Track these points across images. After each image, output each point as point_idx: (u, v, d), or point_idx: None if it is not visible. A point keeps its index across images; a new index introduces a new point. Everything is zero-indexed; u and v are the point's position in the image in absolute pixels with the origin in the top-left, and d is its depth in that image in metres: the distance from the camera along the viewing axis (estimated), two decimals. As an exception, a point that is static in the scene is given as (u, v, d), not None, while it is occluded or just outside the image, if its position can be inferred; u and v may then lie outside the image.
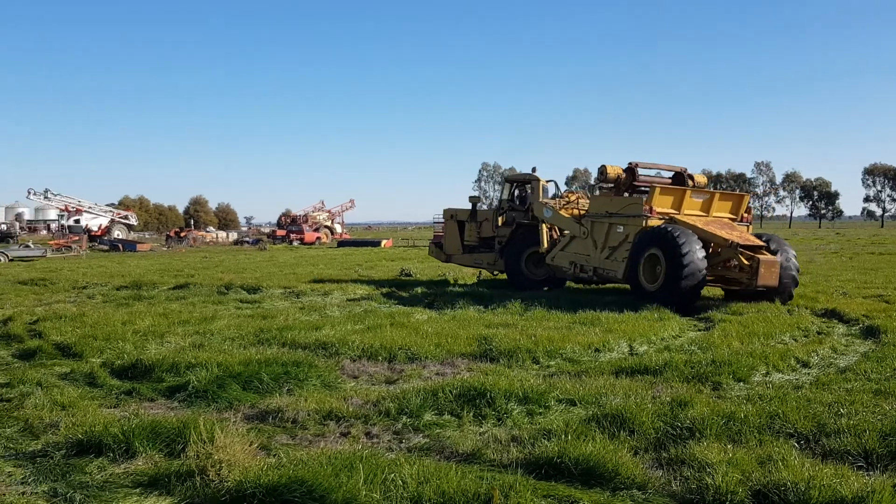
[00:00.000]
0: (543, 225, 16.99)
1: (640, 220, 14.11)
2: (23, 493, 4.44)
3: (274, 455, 5.07)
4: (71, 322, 11.27)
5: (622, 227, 14.59)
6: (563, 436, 5.22)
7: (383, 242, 50.95)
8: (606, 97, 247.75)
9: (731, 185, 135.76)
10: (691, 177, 16.18)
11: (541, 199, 17.47)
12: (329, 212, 68.57)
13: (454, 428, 5.80)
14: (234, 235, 68.62)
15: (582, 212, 16.25)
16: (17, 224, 69.38)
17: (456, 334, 9.75)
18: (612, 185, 16.02)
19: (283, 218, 71.69)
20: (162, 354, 8.45)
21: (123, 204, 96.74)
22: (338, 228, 66.63)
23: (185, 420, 5.42)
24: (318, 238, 59.23)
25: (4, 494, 4.41)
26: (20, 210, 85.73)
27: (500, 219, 18.35)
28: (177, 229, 71.49)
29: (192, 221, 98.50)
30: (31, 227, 70.61)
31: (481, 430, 5.75)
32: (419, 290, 16.42)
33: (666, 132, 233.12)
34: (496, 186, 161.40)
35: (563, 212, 16.70)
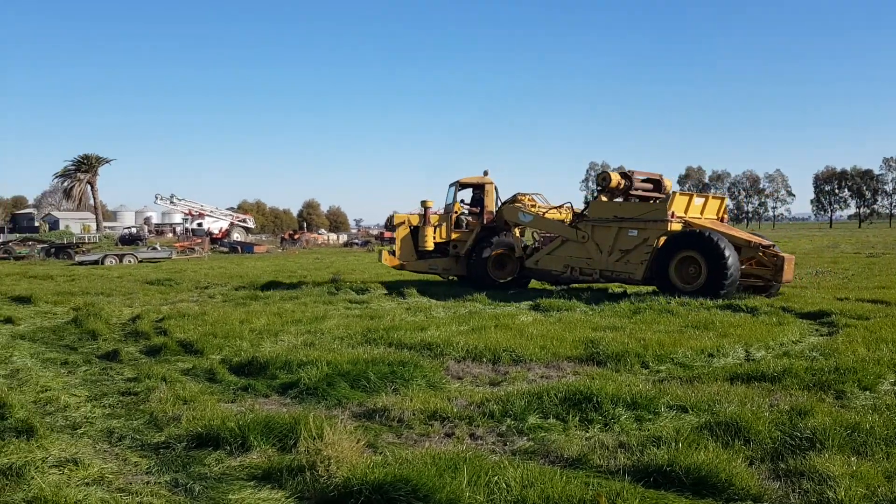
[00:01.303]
0: (516, 230, 18.11)
1: (664, 224, 14.92)
2: (147, 483, 4.70)
3: (380, 453, 5.15)
4: (193, 320, 11.89)
5: (636, 231, 15.38)
6: (674, 443, 5.05)
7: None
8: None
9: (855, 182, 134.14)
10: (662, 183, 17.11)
11: (510, 205, 18.09)
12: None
13: (559, 432, 5.72)
14: (344, 237, 70.48)
15: (567, 217, 17.40)
16: (146, 227, 73.87)
17: (561, 337, 9.63)
18: (609, 190, 16.42)
19: (389, 220, 73.05)
20: (276, 352, 8.77)
21: (242, 208, 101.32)
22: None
23: (296, 416, 5.61)
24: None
25: (131, 483, 4.68)
26: (148, 214, 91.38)
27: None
28: (291, 232, 74.20)
29: (304, 224, 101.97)
30: (159, 230, 74.92)
31: (587, 434, 5.65)
32: (525, 291, 16.34)
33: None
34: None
35: (548, 216, 17.51)
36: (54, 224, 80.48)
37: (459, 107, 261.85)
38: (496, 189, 18.77)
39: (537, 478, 4.40)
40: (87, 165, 67.25)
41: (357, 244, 62.71)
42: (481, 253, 17.96)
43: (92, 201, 69.76)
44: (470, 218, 18.60)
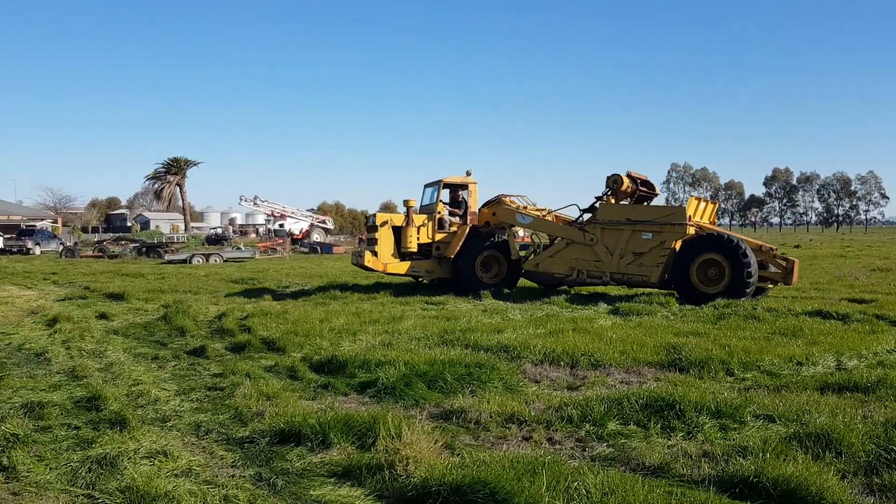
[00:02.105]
0: (510, 230, 17.66)
1: (683, 227, 15.25)
2: (232, 476, 4.84)
3: (457, 455, 5.16)
4: (275, 319, 12.19)
5: (651, 234, 15.55)
6: (761, 454, 4.88)
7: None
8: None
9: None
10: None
11: (506, 207, 17.62)
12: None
13: (640, 439, 5.60)
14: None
15: (562, 219, 17.39)
16: (231, 228, 76.23)
17: (642, 342, 9.43)
18: (619, 193, 16.57)
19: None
20: (354, 351, 8.90)
21: (322, 209, 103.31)
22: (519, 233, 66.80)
23: (374, 415, 5.67)
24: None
25: (217, 476, 4.83)
26: (233, 215, 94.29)
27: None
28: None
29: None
30: (242, 230, 77.15)
31: (669, 443, 5.51)
32: (606, 294, 16.10)
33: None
34: (685, 188, 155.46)
35: (549, 218, 17.40)
36: (145, 224, 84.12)
37: (547, 111, 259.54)
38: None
39: (618, 485, 4.32)
40: (176, 168, 69.78)
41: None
42: (470, 255, 17.34)
43: (180, 202, 72.38)
44: (453, 219, 17.85)
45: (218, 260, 36.26)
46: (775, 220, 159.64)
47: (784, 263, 15.33)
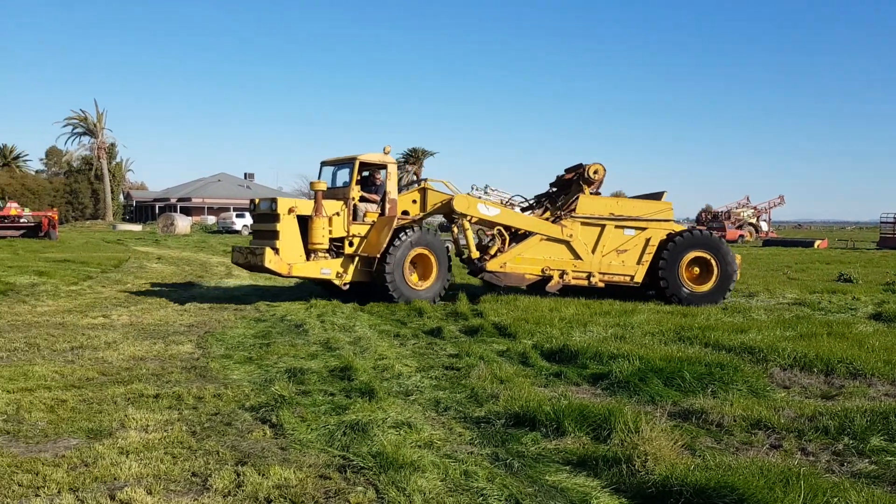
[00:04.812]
0: (465, 223, 14.29)
1: (668, 224, 14.58)
2: (470, 453, 5.02)
3: (699, 456, 4.93)
4: (506, 305, 12.46)
5: (634, 231, 14.41)
6: None
7: (816, 243, 46.20)
8: None
9: None
10: None
11: (465, 195, 14.51)
12: (755, 208, 64.54)
13: (910, 459, 4.99)
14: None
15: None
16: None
17: (912, 352, 8.39)
18: (594, 185, 14.98)
19: (703, 214, 69.63)
20: (586, 342, 8.84)
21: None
22: (763, 226, 62.41)
23: (610, 408, 5.59)
24: (741, 236, 56.25)
25: (456, 451, 5.04)
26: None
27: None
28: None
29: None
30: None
31: (949, 467, 4.85)
32: (862, 297, 14.55)
33: None
34: None
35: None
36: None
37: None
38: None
39: (886, 507, 3.89)
40: (414, 158, 73.66)
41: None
42: (399, 253, 13.31)
43: (417, 191, 76.32)
44: (369, 206, 13.95)
45: (453, 246, 37.63)
46: None
47: None
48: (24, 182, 78.89)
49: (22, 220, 42.24)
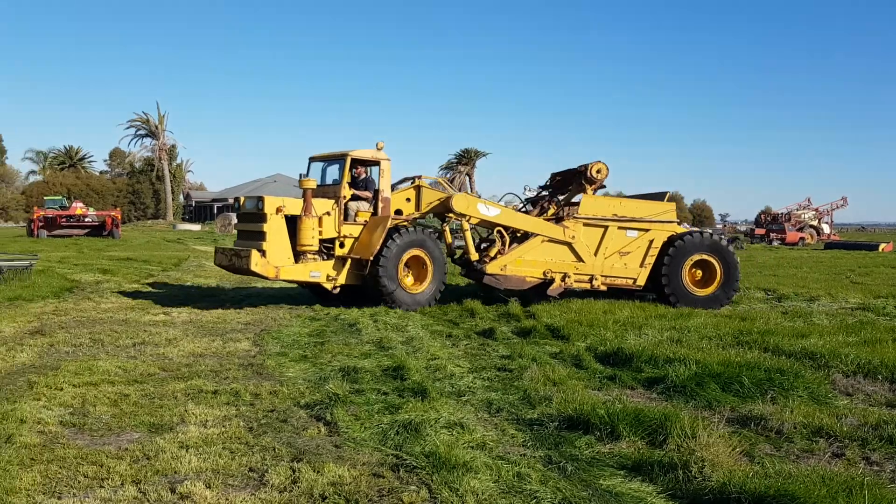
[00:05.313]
0: (465, 223, 13.66)
1: (672, 225, 14.29)
2: (523, 455, 5.00)
3: (758, 463, 4.82)
4: (559, 307, 12.38)
5: (637, 232, 14.00)
6: None
7: (881, 246, 44.63)
8: None
9: None
10: None
11: (464, 194, 14.08)
12: (816, 210, 62.75)
13: (985, 473, 4.79)
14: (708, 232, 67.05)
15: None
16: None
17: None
18: (596, 185, 14.40)
19: (762, 216, 68.01)
20: (641, 345, 8.71)
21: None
22: (825, 229, 60.63)
23: (666, 412, 5.51)
24: (802, 238, 54.77)
25: (508, 453, 5.03)
26: (515, 203, 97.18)
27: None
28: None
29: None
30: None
31: None
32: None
33: None
34: None
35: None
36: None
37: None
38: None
39: (958, 522, 3.74)
40: (466, 158, 73.78)
41: (724, 240, 59.51)
42: (393, 255, 12.66)
43: (469, 191, 76.52)
44: (360, 205, 13.25)
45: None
46: None
47: None
48: (88, 182, 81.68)
49: (87, 220, 43.70)
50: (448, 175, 78.36)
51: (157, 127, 77.82)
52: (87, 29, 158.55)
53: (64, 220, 42.65)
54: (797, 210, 62.28)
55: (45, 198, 51.10)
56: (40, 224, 41.44)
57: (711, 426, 5.21)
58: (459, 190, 73.09)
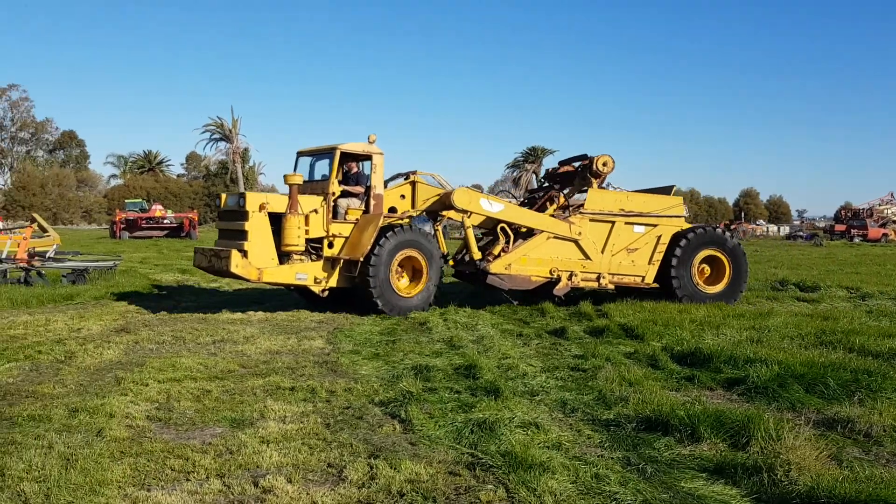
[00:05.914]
0: (467, 220, 12.87)
1: (680, 220, 13.84)
2: (600, 456, 4.94)
3: (847, 467, 4.63)
4: (631, 306, 12.19)
5: (644, 228, 13.46)
6: None
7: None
8: None
9: None
10: None
11: (466, 189, 13.08)
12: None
13: None
14: (785, 230, 65.33)
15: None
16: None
17: None
18: (601, 179, 13.87)
19: (842, 211, 65.58)
20: (719, 345, 8.50)
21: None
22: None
23: (749, 414, 5.35)
24: (885, 235, 52.58)
25: (585, 454, 4.97)
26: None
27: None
28: (726, 222, 71.37)
29: (742, 214, 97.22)
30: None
31: None
32: None
33: None
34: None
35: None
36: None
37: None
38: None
39: None
40: (533, 157, 73.36)
41: (801, 237, 57.70)
42: (385, 255, 11.81)
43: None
44: (350, 202, 12.43)
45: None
46: None
47: None
48: (166, 185, 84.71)
49: (165, 221, 45.33)
50: (515, 173, 78.06)
51: (230, 131, 79.88)
52: (166, 35, 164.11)
53: (144, 221, 44.34)
54: (879, 205, 59.88)
55: (126, 201, 53.28)
56: (122, 226, 43.19)
57: (797, 428, 5.04)
58: (525, 188, 72.93)
